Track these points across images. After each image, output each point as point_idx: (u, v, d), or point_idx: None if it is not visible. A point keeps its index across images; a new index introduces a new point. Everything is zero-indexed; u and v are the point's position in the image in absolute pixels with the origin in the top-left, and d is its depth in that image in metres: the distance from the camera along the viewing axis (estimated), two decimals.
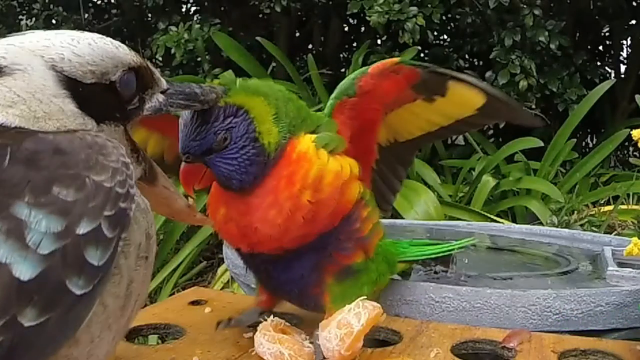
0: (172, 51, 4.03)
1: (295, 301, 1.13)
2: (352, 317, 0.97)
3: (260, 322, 1.09)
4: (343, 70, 4.69)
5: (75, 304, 0.51)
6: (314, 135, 1.01)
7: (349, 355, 0.98)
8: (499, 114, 1.21)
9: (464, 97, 1.10)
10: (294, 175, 0.97)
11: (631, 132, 1.37)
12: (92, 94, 0.60)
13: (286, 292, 1.12)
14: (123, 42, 0.63)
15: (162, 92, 0.68)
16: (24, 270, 0.48)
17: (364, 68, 1.07)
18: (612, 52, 5.17)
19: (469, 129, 1.18)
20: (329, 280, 1.06)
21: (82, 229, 0.51)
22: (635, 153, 4.69)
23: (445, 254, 1.34)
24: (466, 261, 1.75)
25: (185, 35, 4.01)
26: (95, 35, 0.62)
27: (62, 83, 0.58)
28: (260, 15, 4.36)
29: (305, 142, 0.99)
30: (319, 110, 1.23)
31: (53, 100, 0.58)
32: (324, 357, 0.99)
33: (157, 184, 0.67)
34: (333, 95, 1.06)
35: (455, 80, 1.09)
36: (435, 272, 1.44)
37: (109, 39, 0.63)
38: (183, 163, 0.98)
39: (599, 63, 4.66)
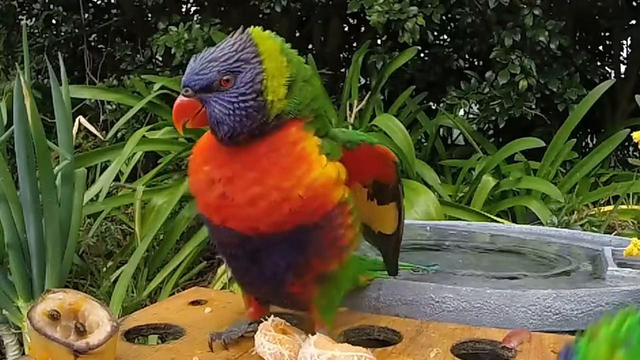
0: (172, 51, 4.02)
1: (271, 297, 1.14)
2: None
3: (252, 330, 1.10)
4: (343, 70, 4.69)
5: None
6: (320, 140, 1.02)
7: None
8: (387, 248, 1.31)
9: (387, 218, 1.22)
10: (293, 170, 0.97)
11: (632, 135, 1.37)
12: None
13: (257, 289, 1.12)
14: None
15: None
16: None
17: (374, 139, 1.10)
18: (612, 52, 5.17)
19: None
20: (312, 287, 1.07)
21: None
22: (635, 153, 4.69)
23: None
24: (467, 261, 1.75)
25: (185, 35, 4.01)
26: None
27: None
28: (260, 15, 4.35)
29: (312, 143, 1.00)
30: None
31: None
32: None
33: None
34: (341, 136, 1.07)
35: (396, 205, 1.20)
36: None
37: None
38: (180, 96, 0.98)
39: (599, 63, 4.66)
